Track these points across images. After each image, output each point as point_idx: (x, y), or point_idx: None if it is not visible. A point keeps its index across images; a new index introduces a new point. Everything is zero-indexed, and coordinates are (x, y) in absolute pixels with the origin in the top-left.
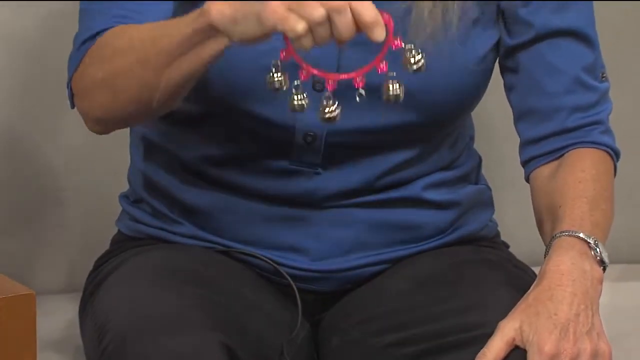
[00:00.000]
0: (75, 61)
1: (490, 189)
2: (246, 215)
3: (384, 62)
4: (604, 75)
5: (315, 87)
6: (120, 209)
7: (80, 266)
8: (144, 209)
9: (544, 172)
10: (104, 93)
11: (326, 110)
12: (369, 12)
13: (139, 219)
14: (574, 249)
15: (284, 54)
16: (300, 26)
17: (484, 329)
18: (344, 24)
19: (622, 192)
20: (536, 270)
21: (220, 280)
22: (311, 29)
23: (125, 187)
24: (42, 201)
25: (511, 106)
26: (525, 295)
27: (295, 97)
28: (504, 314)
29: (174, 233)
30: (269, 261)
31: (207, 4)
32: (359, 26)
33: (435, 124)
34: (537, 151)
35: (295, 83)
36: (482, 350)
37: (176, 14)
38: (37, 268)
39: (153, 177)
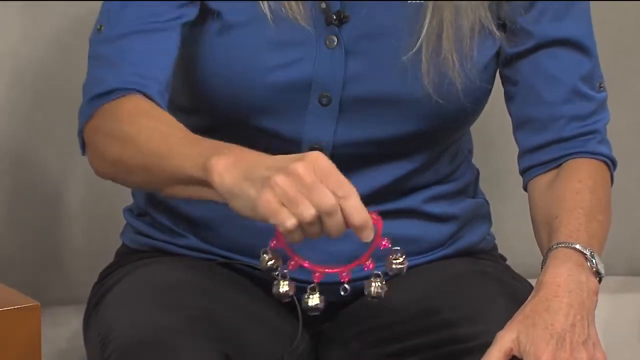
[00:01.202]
0: (86, 116)
1: (487, 203)
2: (247, 227)
3: (370, 261)
4: (602, 85)
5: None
6: (124, 222)
7: (85, 278)
8: (148, 222)
9: (541, 181)
10: (114, 168)
11: (310, 298)
12: (358, 215)
13: (142, 232)
14: (570, 260)
15: (274, 242)
16: (290, 223)
17: (482, 339)
18: (334, 225)
19: (620, 204)
20: (533, 282)
21: (221, 292)
22: (302, 226)
23: (129, 201)
24: (47, 215)
25: (510, 115)
26: (522, 306)
27: (281, 283)
28: (501, 324)
29: (177, 245)
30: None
31: (212, 162)
32: (349, 226)
33: (439, 134)
34: (535, 160)
35: (283, 272)
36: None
37: (185, 37)
38: (43, 280)
39: None
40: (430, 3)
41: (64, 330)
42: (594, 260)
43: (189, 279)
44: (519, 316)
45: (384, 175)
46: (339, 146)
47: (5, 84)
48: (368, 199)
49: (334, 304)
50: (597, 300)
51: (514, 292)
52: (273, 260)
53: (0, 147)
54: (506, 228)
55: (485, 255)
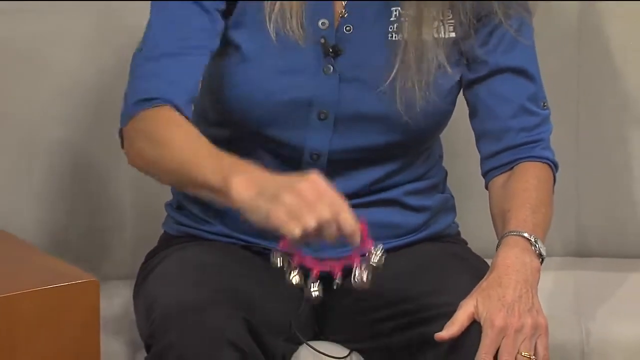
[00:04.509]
0: (128, 117)
1: (453, 197)
2: None
3: (358, 258)
4: (545, 104)
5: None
6: (165, 214)
7: (134, 259)
8: (185, 214)
9: (498, 181)
10: (149, 167)
11: (311, 289)
12: (350, 226)
13: (180, 221)
14: (517, 245)
15: (282, 244)
16: (297, 231)
17: (449, 307)
18: (330, 233)
19: (557, 199)
20: (489, 261)
21: (242, 269)
22: (305, 234)
23: (169, 197)
24: (107, 210)
25: (473, 130)
26: (480, 282)
27: (292, 273)
28: (464, 295)
29: (207, 232)
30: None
31: (232, 180)
32: (342, 234)
33: (414, 143)
34: (493, 164)
35: (293, 265)
36: (449, 321)
37: (211, 66)
38: (102, 261)
39: None
40: (402, 42)
41: (117, 300)
42: (537, 245)
43: (216, 259)
44: (477, 289)
45: (370, 174)
46: (334, 153)
47: (69, 97)
48: (358, 194)
49: (331, 279)
50: (539, 277)
51: (474, 269)
52: (281, 258)
53: (67, 155)
54: (468, 218)
55: (451, 239)
